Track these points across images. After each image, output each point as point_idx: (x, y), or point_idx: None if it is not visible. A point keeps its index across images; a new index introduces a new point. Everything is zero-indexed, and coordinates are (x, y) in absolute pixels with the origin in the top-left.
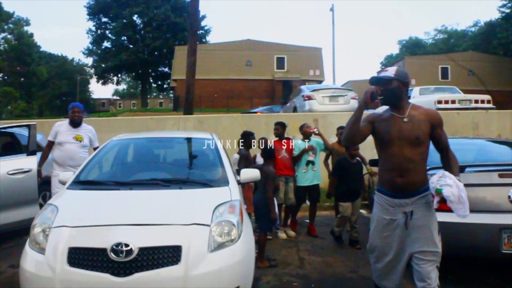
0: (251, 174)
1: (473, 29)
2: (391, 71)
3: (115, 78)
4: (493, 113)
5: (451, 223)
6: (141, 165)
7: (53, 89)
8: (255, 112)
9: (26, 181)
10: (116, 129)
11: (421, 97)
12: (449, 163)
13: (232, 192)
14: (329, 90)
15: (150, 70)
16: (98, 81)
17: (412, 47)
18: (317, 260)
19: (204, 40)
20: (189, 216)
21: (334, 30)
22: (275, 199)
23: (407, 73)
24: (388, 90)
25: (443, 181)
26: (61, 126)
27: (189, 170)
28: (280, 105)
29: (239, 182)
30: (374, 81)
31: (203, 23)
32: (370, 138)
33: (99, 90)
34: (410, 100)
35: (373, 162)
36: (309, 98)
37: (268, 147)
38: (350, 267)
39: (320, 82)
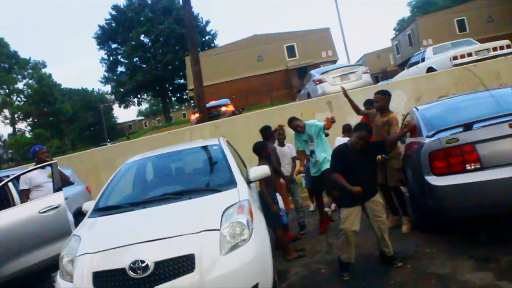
0: (260, 171)
1: None
2: None
3: (135, 100)
4: None
5: (469, 183)
6: (152, 183)
7: (80, 122)
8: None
9: (57, 217)
10: (138, 149)
11: (435, 57)
12: None
13: (240, 193)
14: (338, 69)
15: (167, 85)
16: (120, 106)
17: (423, 7)
18: None
19: (212, 44)
20: (199, 223)
21: (338, 6)
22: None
23: None
24: None
25: None
26: (32, 173)
27: (198, 179)
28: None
29: (249, 181)
30: None
31: (208, 28)
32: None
33: (124, 114)
34: (423, 63)
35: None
36: (320, 81)
37: (259, 145)
38: None
39: (334, 62)
